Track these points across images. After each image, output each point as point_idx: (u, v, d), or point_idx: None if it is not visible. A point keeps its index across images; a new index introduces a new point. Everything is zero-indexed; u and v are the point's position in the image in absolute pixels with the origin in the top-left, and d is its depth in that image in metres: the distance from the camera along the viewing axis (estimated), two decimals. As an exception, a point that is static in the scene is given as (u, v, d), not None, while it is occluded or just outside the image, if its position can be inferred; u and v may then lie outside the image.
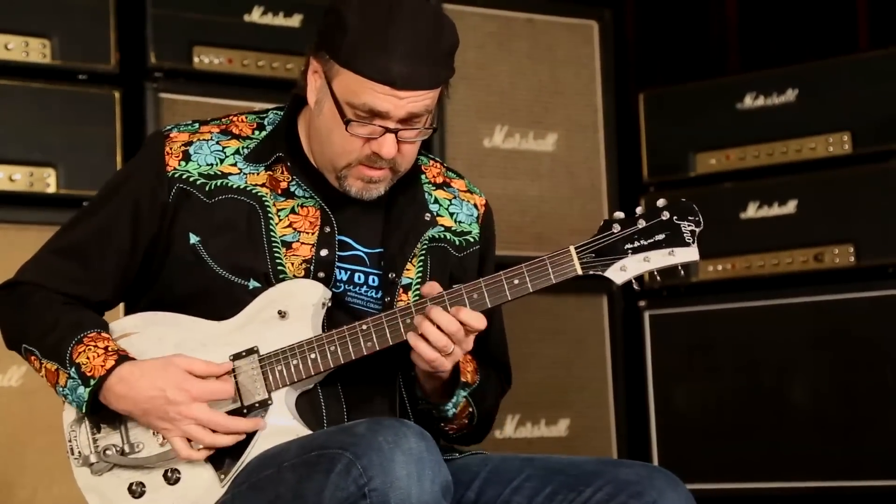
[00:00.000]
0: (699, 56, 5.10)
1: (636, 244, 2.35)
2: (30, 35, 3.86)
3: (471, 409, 2.52)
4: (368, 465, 2.16)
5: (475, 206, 2.61)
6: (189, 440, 2.38)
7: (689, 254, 2.35)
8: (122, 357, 2.40)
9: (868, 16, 4.84)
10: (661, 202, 2.36)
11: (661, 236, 2.34)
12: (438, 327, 2.34)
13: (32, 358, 2.46)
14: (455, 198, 2.59)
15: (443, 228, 2.55)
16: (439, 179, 2.60)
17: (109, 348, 2.40)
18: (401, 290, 2.49)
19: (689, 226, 2.34)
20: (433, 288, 2.39)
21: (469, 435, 2.57)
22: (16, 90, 3.83)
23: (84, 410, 2.41)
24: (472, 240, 2.58)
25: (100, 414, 2.43)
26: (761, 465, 4.39)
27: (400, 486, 2.15)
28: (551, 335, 4.46)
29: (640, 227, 2.35)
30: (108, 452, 2.41)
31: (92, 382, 2.38)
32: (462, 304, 2.36)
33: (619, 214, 2.37)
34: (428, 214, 2.53)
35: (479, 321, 2.35)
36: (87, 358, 2.39)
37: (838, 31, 4.87)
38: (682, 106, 4.65)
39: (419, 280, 2.50)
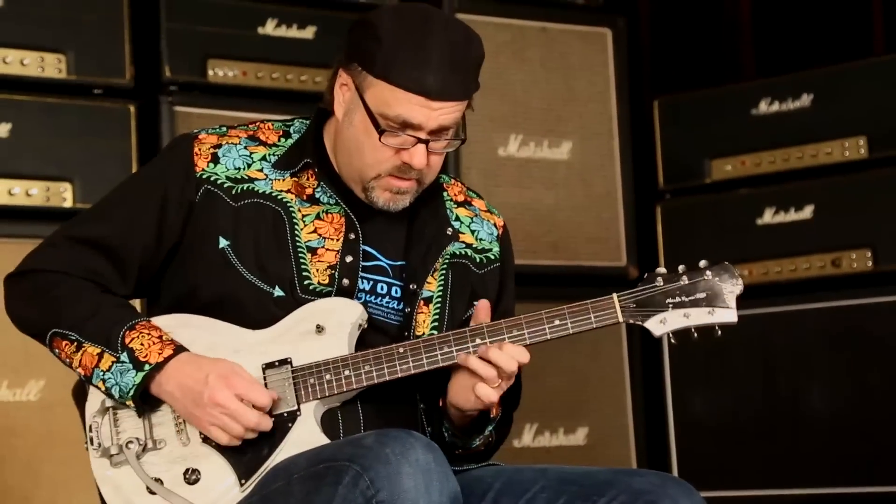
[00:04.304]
0: (714, 62, 5.09)
1: (677, 299, 2.43)
2: (45, 50, 3.88)
3: (491, 440, 2.56)
4: (376, 477, 2.17)
5: (494, 225, 2.64)
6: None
7: (728, 315, 2.43)
8: (180, 347, 2.40)
9: (883, 20, 4.83)
10: (703, 263, 2.45)
11: (702, 295, 2.43)
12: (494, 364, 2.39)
13: (64, 343, 2.43)
14: (476, 216, 2.62)
15: (464, 245, 2.58)
16: (461, 198, 2.63)
17: (164, 338, 2.40)
18: (421, 303, 2.50)
19: (730, 288, 2.43)
20: (485, 309, 2.44)
21: (475, 456, 2.58)
22: (31, 105, 3.85)
23: (130, 395, 2.38)
24: (492, 257, 2.61)
25: (127, 408, 2.42)
26: (780, 472, 4.38)
27: (408, 497, 2.16)
28: (568, 343, 4.35)
29: (682, 283, 2.43)
30: (129, 445, 2.41)
31: (146, 367, 2.37)
32: (501, 338, 2.41)
33: (662, 269, 2.45)
34: (450, 229, 2.56)
35: (523, 355, 2.40)
36: (142, 344, 2.39)
37: (853, 36, 4.86)
38: (696, 112, 4.64)
39: (440, 294, 2.52)
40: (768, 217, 4.50)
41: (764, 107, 4.53)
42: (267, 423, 2.38)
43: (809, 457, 4.34)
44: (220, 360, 2.40)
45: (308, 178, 2.51)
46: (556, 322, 2.42)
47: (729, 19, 5.10)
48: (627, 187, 4.64)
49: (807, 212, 4.44)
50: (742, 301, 2.46)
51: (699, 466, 4.45)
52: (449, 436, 2.52)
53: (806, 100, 4.47)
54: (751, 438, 4.43)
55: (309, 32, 4.20)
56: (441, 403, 2.51)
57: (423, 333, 2.49)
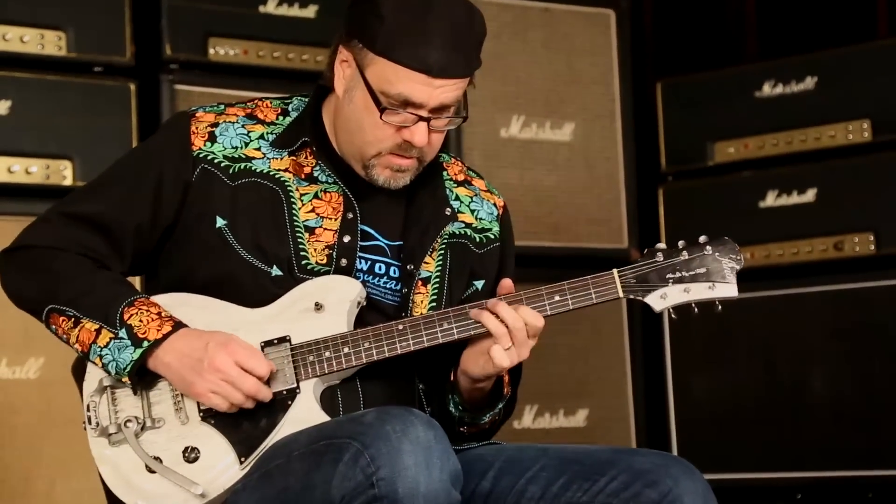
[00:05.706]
0: (717, 44, 5.08)
1: (678, 275, 2.42)
2: (45, 28, 3.87)
3: (497, 418, 2.54)
4: (376, 454, 2.16)
5: (495, 205, 2.62)
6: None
7: (729, 290, 2.42)
8: (179, 324, 2.38)
9: (888, 2, 4.82)
10: (703, 238, 2.44)
11: (702, 270, 2.42)
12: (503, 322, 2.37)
13: (62, 319, 2.41)
14: (476, 195, 2.61)
15: (463, 225, 2.56)
16: (460, 177, 2.62)
17: (163, 314, 2.39)
18: (419, 283, 2.49)
19: (730, 263, 2.42)
20: (507, 288, 2.42)
21: (479, 434, 2.56)
22: (32, 83, 3.84)
23: (127, 371, 2.37)
24: (492, 237, 2.60)
25: (125, 387, 2.41)
26: (780, 455, 4.38)
27: (408, 475, 2.14)
28: (569, 325, 4.44)
29: (682, 258, 2.42)
30: (128, 424, 2.39)
31: (145, 344, 2.36)
32: None
33: (662, 245, 2.44)
34: (448, 209, 2.54)
35: (537, 319, 2.38)
36: (141, 321, 2.37)
37: (857, 18, 4.85)
38: (699, 94, 4.63)
39: (438, 274, 2.50)
40: (771, 200, 4.49)
41: (767, 89, 4.52)
42: (266, 393, 2.37)
43: (810, 439, 4.33)
44: (217, 331, 2.39)
45: (306, 157, 2.49)
46: (557, 298, 2.41)
47: (733, 1, 5.08)
48: (630, 169, 4.63)
49: (809, 195, 4.43)
50: (744, 284, 2.46)
51: (699, 448, 4.45)
52: (458, 410, 2.50)
53: (810, 83, 4.45)
54: (751, 421, 4.43)
55: (310, 11, 4.18)
56: (452, 377, 2.49)
57: (421, 314, 2.47)
